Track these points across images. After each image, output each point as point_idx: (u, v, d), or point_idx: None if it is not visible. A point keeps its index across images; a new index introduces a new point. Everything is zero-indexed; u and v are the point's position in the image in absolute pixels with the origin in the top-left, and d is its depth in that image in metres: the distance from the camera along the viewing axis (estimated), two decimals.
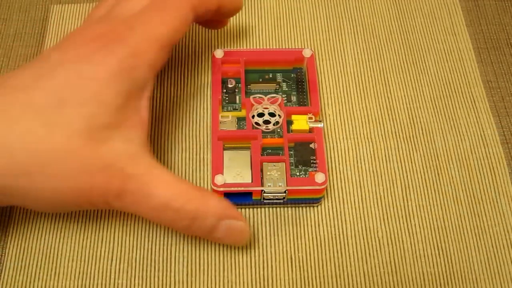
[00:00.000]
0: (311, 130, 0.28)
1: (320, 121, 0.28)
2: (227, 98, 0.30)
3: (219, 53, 0.30)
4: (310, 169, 0.27)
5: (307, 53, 0.30)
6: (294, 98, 0.30)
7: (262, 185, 0.26)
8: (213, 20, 0.30)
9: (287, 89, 0.30)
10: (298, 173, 0.27)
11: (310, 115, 0.28)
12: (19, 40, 0.35)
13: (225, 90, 0.30)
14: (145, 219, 0.27)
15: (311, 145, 0.28)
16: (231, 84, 0.30)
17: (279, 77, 0.31)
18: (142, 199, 0.22)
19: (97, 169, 0.22)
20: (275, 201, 0.27)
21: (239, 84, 0.30)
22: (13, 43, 0.35)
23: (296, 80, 0.31)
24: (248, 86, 0.30)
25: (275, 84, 0.30)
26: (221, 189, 0.26)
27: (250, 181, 0.26)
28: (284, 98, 0.30)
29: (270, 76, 0.31)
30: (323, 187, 0.26)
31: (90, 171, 0.21)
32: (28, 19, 0.36)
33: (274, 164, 0.27)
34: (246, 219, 0.28)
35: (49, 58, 0.23)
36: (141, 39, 0.23)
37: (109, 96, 0.22)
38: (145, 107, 0.24)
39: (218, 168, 0.26)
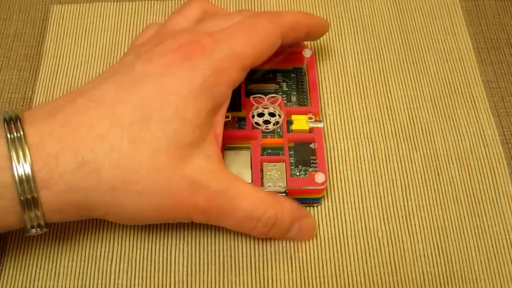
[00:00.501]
0: (311, 130, 0.28)
1: (320, 121, 0.28)
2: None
3: None
4: (310, 169, 0.27)
5: (307, 53, 0.30)
6: (294, 98, 0.30)
7: (262, 185, 0.26)
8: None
9: (287, 89, 0.30)
10: (298, 173, 0.27)
11: (310, 115, 0.28)
12: (19, 40, 0.35)
13: None
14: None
15: (311, 145, 0.28)
16: None
17: (279, 77, 0.31)
18: (227, 213, 0.23)
19: (183, 186, 0.22)
20: None
21: (239, 85, 0.30)
22: (13, 43, 0.35)
23: (296, 80, 0.31)
24: (248, 87, 0.30)
25: (275, 84, 0.30)
26: None
27: (250, 181, 0.26)
28: (284, 98, 0.30)
29: (270, 76, 0.31)
30: (323, 187, 0.26)
31: (175, 189, 0.22)
32: (28, 19, 0.36)
33: (274, 164, 0.27)
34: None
35: (133, 69, 0.22)
36: (225, 56, 0.23)
37: (191, 113, 0.22)
38: (220, 123, 0.24)
39: None
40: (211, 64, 0.22)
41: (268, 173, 0.26)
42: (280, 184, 0.26)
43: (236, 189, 0.23)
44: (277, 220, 0.24)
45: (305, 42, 0.33)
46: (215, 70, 0.22)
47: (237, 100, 0.29)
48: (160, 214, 0.22)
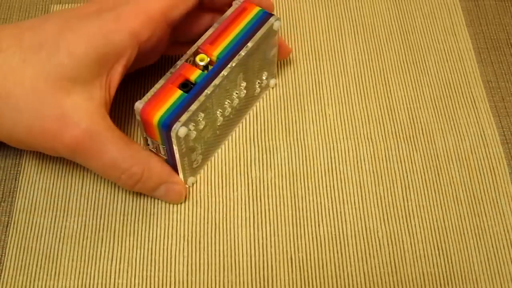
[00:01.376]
0: None
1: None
2: None
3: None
4: None
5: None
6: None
7: None
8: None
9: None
10: None
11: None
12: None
13: None
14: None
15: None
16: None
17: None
18: (93, 155, 0.24)
19: (53, 115, 0.23)
20: None
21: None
22: None
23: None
24: None
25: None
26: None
27: None
28: None
29: None
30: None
31: (46, 115, 0.23)
32: (28, 19, 0.36)
33: None
34: (246, 218, 0.28)
35: (52, 12, 0.26)
36: (128, 9, 0.24)
37: (81, 50, 0.23)
38: (118, 72, 0.25)
39: None
40: (113, 12, 0.24)
41: None
42: None
43: (108, 135, 0.24)
44: (143, 177, 0.25)
45: (305, 43, 0.33)
46: (115, 18, 0.24)
47: None
48: (29, 136, 0.24)
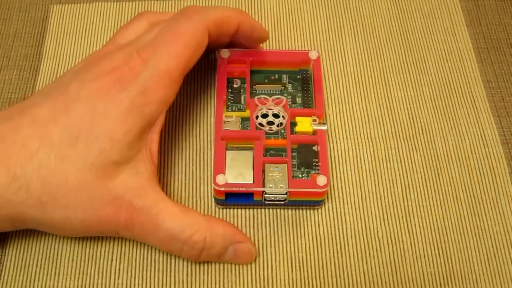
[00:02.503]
0: (314, 132, 0.28)
1: (324, 123, 0.28)
2: (232, 98, 0.29)
3: (225, 53, 0.29)
4: (312, 171, 0.27)
5: (313, 55, 0.30)
6: (299, 100, 0.30)
7: (263, 186, 0.26)
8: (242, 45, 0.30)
9: (292, 90, 0.30)
10: (300, 175, 0.27)
11: (314, 118, 0.28)
12: (19, 40, 0.35)
13: (230, 90, 0.30)
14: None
15: (314, 148, 0.28)
16: (236, 84, 0.30)
17: (284, 78, 0.30)
18: (150, 231, 0.23)
19: (106, 201, 0.23)
20: (276, 202, 0.27)
21: (244, 84, 0.30)
22: (13, 43, 0.35)
23: (301, 82, 0.30)
24: (254, 87, 0.30)
25: (280, 85, 0.30)
26: (222, 188, 0.26)
27: (252, 182, 0.26)
28: (289, 100, 0.29)
29: (276, 77, 0.30)
30: (324, 190, 0.26)
31: (99, 204, 0.23)
32: (28, 19, 0.36)
33: (276, 165, 0.27)
34: (246, 218, 0.28)
35: (68, 89, 0.24)
36: (151, 75, 0.23)
37: (119, 133, 0.23)
38: (155, 141, 0.25)
39: (220, 167, 0.26)
40: (139, 85, 0.23)
41: (270, 174, 0.26)
42: (281, 185, 0.26)
43: (161, 207, 0.23)
44: (206, 244, 0.24)
45: (305, 43, 0.33)
46: (143, 90, 0.23)
47: (242, 100, 0.29)
48: (87, 228, 0.24)
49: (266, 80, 0.30)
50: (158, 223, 0.23)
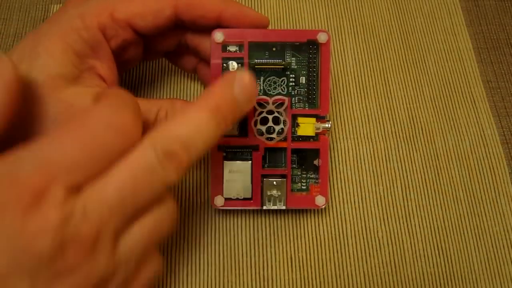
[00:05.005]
0: (317, 133, 0.27)
1: (328, 120, 0.27)
2: None
3: (219, 37, 0.26)
4: (311, 181, 0.27)
5: (322, 37, 0.26)
6: (303, 80, 0.27)
7: (261, 204, 0.26)
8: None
9: (296, 66, 0.27)
10: (300, 186, 0.27)
11: (317, 124, 0.27)
12: (19, 40, 0.35)
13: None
14: None
15: (315, 162, 0.27)
16: (232, 68, 0.27)
17: (288, 52, 0.27)
18: None
19: (61, 111, 0.23)
20: (275, 209, 0.27)
21: (242, 65, 0.27)
22: (13, 43, 0.35)
23: (308, 58, 0.27)
24: (255, 66, 0.27)
25: (282, 61, 0.27)
26: (221, 208, 0.26)
27: (250, 196, 0.26)
28: (292, 81, 0.27)
29: (278, 48, 0.27)
30: (322, 207, 0.26)
31: (55, 115, 0.23)
32: (28, 19, 0.36)
33: (275, 181, 0.26)
34: (246, 218, 0.28)
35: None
36: (95, 5, 0.24)
37: (59, 49, 0.23)
38: (104, 67, 0.25)
39: (217, 188, 0.26)
40: (78, 11, 0.24)
41: (269, 192, 0.26)
42: (279, 202, 0.26)
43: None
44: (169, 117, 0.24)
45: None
46: (80, 15, 0.24)
47: None
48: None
49: (267, 54, 0.27)
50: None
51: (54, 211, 0.16)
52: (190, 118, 0.19)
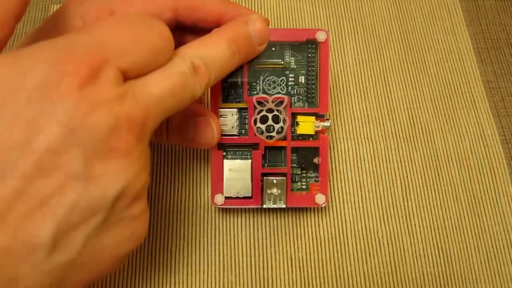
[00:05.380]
0: (316, 132, 0.27)
1: (328, 119, 0.27)
2: (228, 85, 0.27)
3: None
4: (311, 180, 0.27)
5: (321, 36, 0.26)
6: (302, 79, 0.27)
7: (262, 203, 0.26)
8: None
9: (295, 66, 0.27)
10: (299, 185, 0.27)
11: (317, 123, 0.27)
12: (19, 40, 0.35)
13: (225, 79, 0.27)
14: None
15: (315, 160, 0.27)
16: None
17: (287, 51, 0.27)
18: None
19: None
20: (275, 207, 0.27)
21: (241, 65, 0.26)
22: (13, 43, 0.35)
23: (307, 57, 0.27)
24: (254, 66, 0.27)
25: (281, 61, 0.27)
26: (221, 207, 0.26)
27: (250, 195, 0.26)
28: (291, 81, 0.27)
29: (278, 48, 0.27)
30: (322, 206, 0.26)
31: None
32: (28, 19, 0.36)
33: (275, 180, 0.26)
34: (246, 218, 0.28)
35: None
36: (95, 5, 0.24)
37: None
38: None
39: (217, 186, 0.26)
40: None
41: (269, 191, 0.26)
42: (280, 201, 0.26)
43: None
44: None
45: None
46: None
47: (239, 92, 0.27)
48: None
49: (266, 53, 0.27)
50: None
51: (110, 88, 0.16)
52: (210, 43, 0.21)
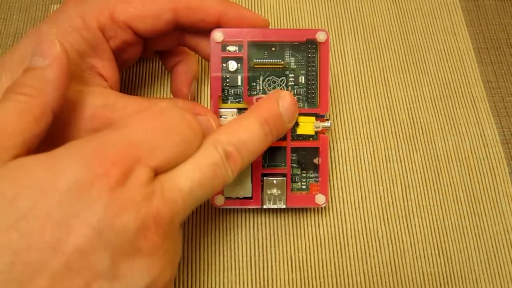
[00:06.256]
0: (316, 132, 0.27)
1: (328, 119, 0.27)
2: (228, 84, 0.27)
3: (218, 36, 0.26)
4: (311, 180, 0.27)
5: (321, 36, 0.26)
6: (302, 79, 0.27)
7: (262, 203, 0.26)
8: None
9: (295, 66, 0.27)
10: (299, 186, 0.27)
11: (317, 123, 0.27)
12: (19, 40, 0.35)
13: (226, 76, 0.27)
14: None
15: (315, 161, 0.27)
16: (232, 68, 0.27)
17: (287, 51, 0.27)
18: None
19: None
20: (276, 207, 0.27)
21: (241, 65, 0.27)
22: (13, 43, 0.35)
23: (307, 58, 0.27)
24: (251, 62, 0.27)
25: (281, 61, 0.27)
26: (222, 207, 0.26)
27: (250, 195, 0.26)
28: (291, 81, 0.27)
29: (277, 48, 0.27)
30: (322, 206, 0.26)
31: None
32: (28, 19, 0.36)
33: (275, 180, 0.26)
34: (246, 218, 0.28)
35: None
36: (94, 5, 0.24)
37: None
38: (106, 67, 0.25)
39: None
40: (78, 9, 0.24)
41: (269, 191, 0.26)
42: (279, 201, 0.26)
43: (125, 99, 0.23)
44: None
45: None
46: (82, 15, 0.24)
47: (239, 82, 0.27)
48: None
49: (266, 53, 0.27)
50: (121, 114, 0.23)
51: (139, 189, 0.17)
52: (244, 125, 0.21)
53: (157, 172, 0.18)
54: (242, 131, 0.21)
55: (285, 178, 0.26)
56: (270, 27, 0.28)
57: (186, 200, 0.18)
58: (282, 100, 0.23)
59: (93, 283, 0.16)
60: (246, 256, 0.27)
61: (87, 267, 0.16)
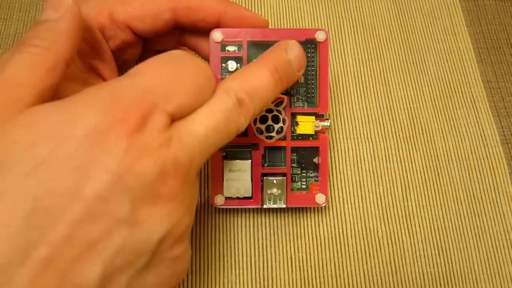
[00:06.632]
0: (316, 132, 0.27)
1: (328, 119, 0.27)
2: None
3: (218, 36, 0.26)
4: (311, 179, 0.27)
5: (320, 36, 0.26)
6: (302, 79, 0.27)
7: (262, 203, 0.26)
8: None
9: None
10: (299, 185, 0.27)
11: (316, 123, 0.27)
12: (19, 39, 0.35)
13: (226, 76, 0.27)
14: None
15: (315, 160, 0.27)
16: (232, 68, 0.27)
17: None
18: None
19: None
20: (276, 207, 0.27)
21: (241, 65, 0.27)
22: (13, 43, 0.35)
23: (306, 57, 0.27)
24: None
25: None
26: (222, 207, 0.26)
27: (250, 195, 0.26)
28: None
29: None
30: (323, 205, 0.26)
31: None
32: (28, 19, 0.36)
33: (275, 180, 0.26)
34: (246, 218, 0.28)
35: None
36: (93, 5, 0.24)
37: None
38: (106, 67, 0.24)
39: (217, 187, 0.26)
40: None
41: (269, 191, 0.26)
42: (280, 201, 0.26)
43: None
44: None
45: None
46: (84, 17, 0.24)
47: None
48: None
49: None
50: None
51: (157, 134, 0.17)
52: (254, 73, 0.21)
53: (173, 118, 0.18)
54: (253, 79, 0.21)
55: (285, 177, 0.26)
56: (269, 27, 0.28)
57: (202, 145, 0.18)
58: (291, 49, 0.23)
59: (113, 228, 0.16)
60: (246, 256, 0.27)
61: (107, 213, 0.16)
